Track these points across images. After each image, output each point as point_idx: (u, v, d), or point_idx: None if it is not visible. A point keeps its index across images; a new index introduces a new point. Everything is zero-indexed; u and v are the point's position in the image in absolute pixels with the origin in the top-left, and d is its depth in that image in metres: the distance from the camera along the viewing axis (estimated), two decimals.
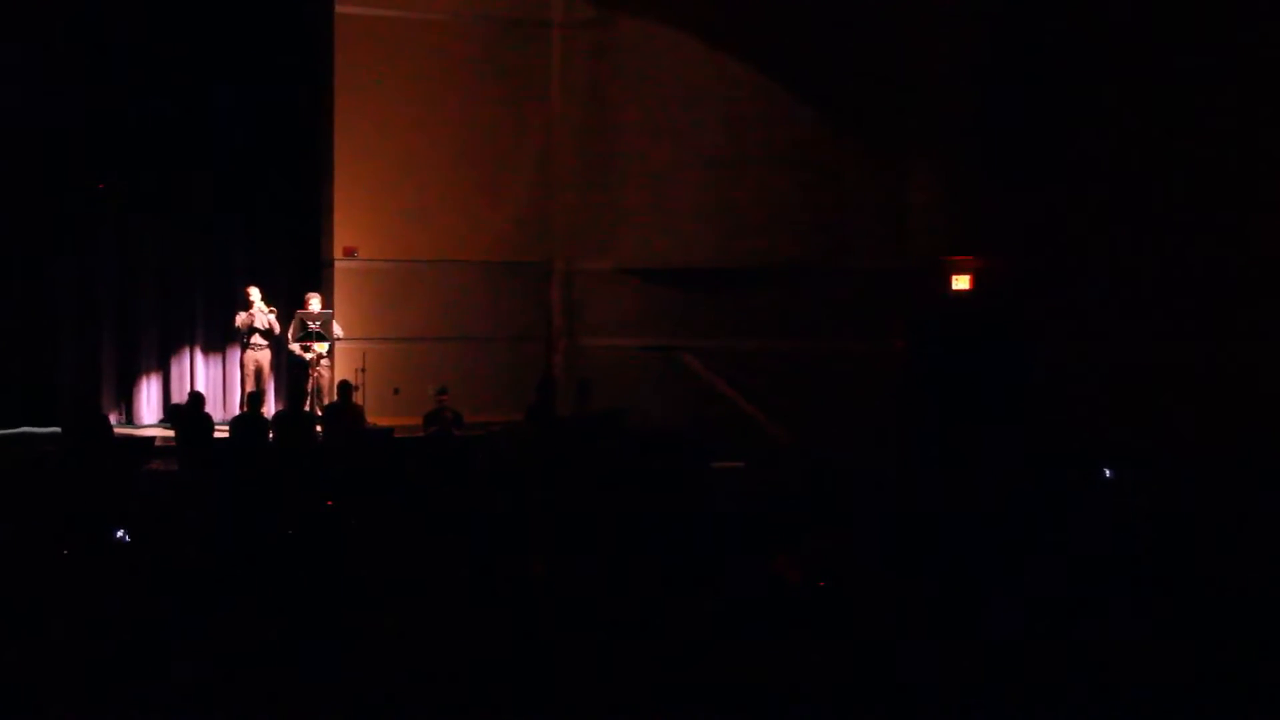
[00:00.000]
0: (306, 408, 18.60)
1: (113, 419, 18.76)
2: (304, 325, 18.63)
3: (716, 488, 14.16)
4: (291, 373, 19.79)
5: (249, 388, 18.56)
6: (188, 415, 16.60)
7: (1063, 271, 17.93)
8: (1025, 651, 7.88)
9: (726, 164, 20.15)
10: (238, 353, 19.40)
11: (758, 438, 18.94)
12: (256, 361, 18.86)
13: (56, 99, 19.22)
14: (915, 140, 19.24)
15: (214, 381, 20.55)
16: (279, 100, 20.49)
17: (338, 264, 20.17)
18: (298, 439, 16.37)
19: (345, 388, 17.50)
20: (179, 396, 19.71)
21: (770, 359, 19.67)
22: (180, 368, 20.46)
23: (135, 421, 20.00)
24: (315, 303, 18.93)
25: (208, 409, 16.98)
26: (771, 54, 19.96)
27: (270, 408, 19.33)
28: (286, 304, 19.34)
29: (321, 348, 18.81)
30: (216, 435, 16.64)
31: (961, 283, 18.60)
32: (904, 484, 13.92)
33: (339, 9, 20.15)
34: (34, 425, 18.66)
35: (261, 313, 18.80)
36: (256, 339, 18.81)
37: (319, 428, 17.29)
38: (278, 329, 18.91)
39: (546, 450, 16.08)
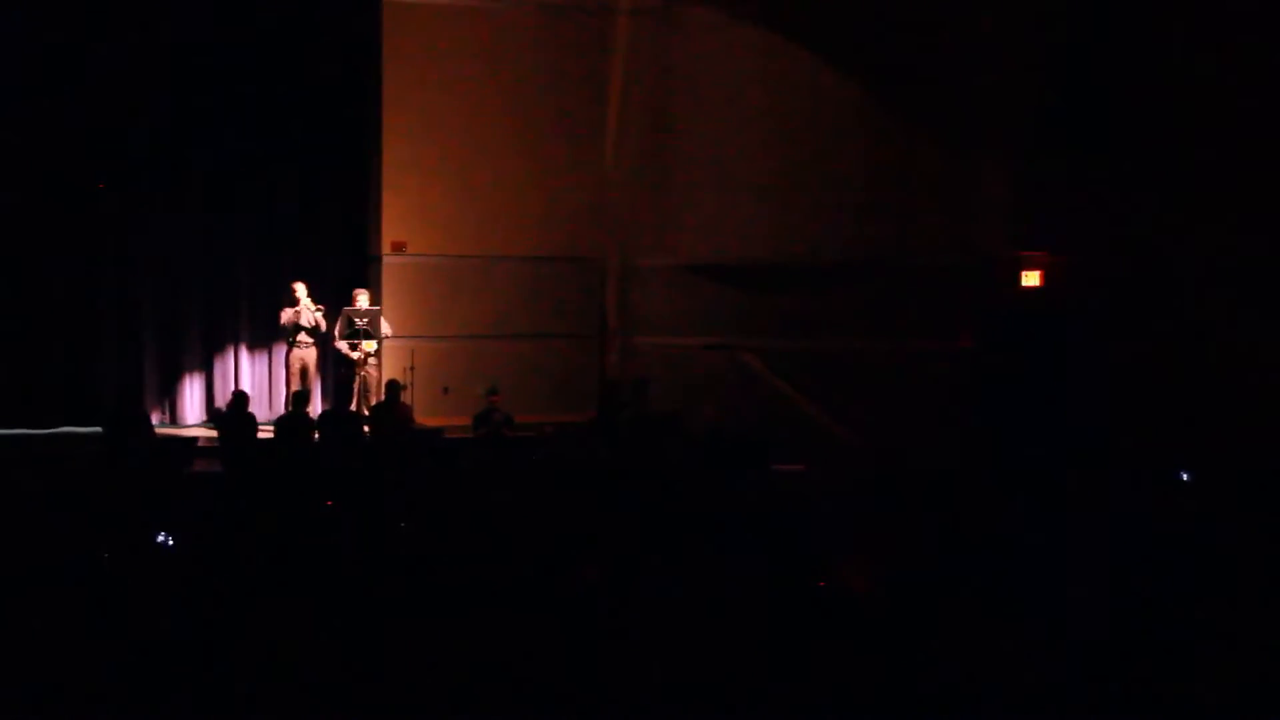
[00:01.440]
0: (353, 408, 18.65)
1: (155, 418, 18.95)
2: (351, 323, 18.68)
3: (777, 491, 14.09)
4: (338, 372, 19.85)
5: (294, 387, 18.64)
6: (231, 415, 16.69)
7: (1137, 267, 17.80)
8: (1110, 658, 7.86)
9: (790, 157, 20.12)
10: (283, 351, 19.46)
11: (820, 440, 18.86)
12: (302, 360, 18.94)
13: (98, 94, 19.35)
14: (985, 131, 19.16)
15: (259, 380, 20.63)
16: (326, 92, 20.51)
17: (386, 259, 20.19)
18: (345, 439, 16.42)
19: (393, 387, 17.52)
20: (222, 396, 19.84)
21: (833, 358, 19.59)
22: (224, 366, 20.53)
23: (178, 421, 20.09)
24: (363, 299, 19.00)
25: (252, 409, 17.05)
26: (839, 45, 19.92)
27: (316, 407, 19.41)
28: (333, 301, 19.37)
29: (369, 346, 18.86)
30: (261, 435, 16.72)
31: (1032, 279, 18.53)
32: (972, 488, 13.84)
33: None
34: (74, 425, 18.79)
35: (308, 310, 18.87)
36: (302, 337, 18.88)
37: (366, 428, 17.33)
38: (324, 326, 18.97)
39: (605, 453, 16.07)
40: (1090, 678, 7.67)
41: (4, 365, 19.01)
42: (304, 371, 18.93)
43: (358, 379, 18.92)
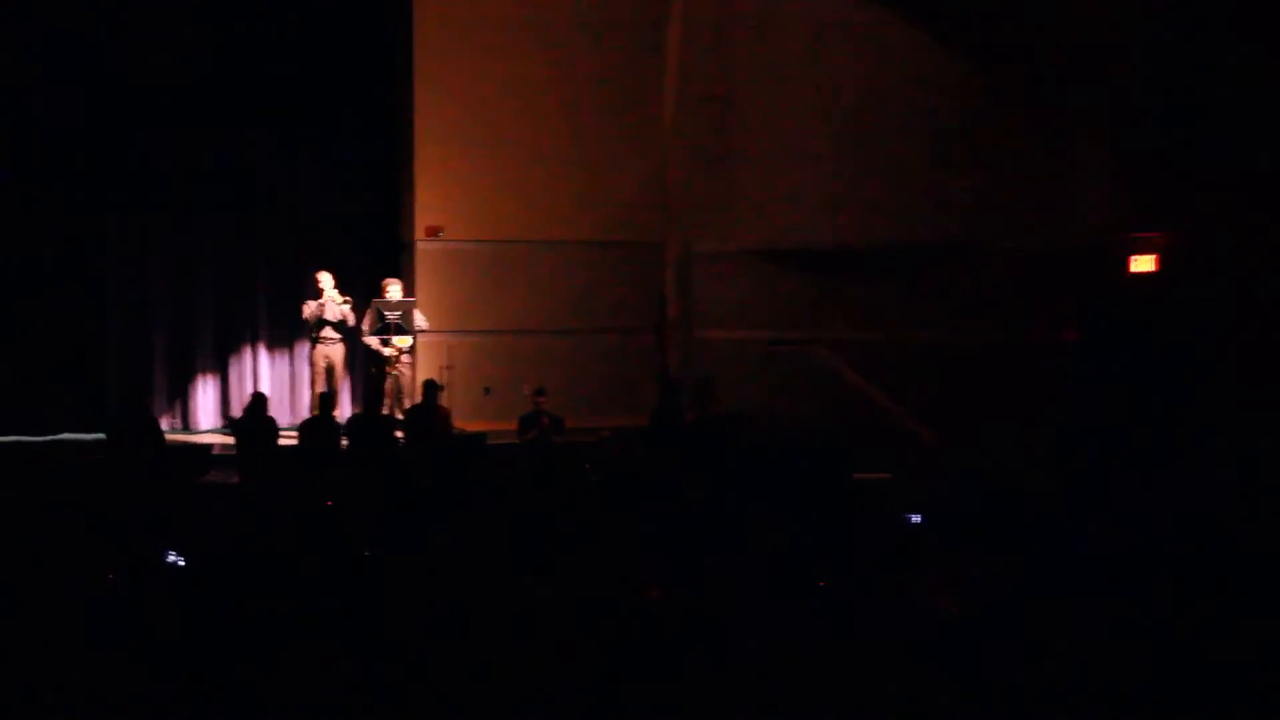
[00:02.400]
0: (385, 410, 18.54)
1: (165, 424, 18.87)
2: (382, 316, 18.60)
3: (859, 502, 13.99)
4: (368, 371, 19.81)
5: (319, 388, 18.61)
6: (249, 419, 16.66)
7: (1263, 249, 17.62)
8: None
9: (865, 135, 20.16)
10: (306, 348, 19.45)
11: (905, 444, 18.78)
12: (328, 358, 18.89)
13: (101, 79, 19.49)
14: (1087, 100, 19.07)
15: (279, 382, 20.65)
16: (351, 61, 20.49)
17: (420, 246, 20.17)
18: (375, 446, 16.35)
19: (430, 388, 17.45)
20: (239, 399, 19.85)
21: (919, 353, 19.61)
22: (240, 367, 20.57)
23: (191, 427, 20.21)
24: (395, 290, 18.90)
25: (272, 412, 17.03)
26: (917, 16, 19.86)
27: (344, 411, 19.39)
28: (362, 292, 19.29)
29: (402, 342, 18.76)
30: (282, 442, 16.68)
31: (1144, 263, 18.44)
32: (1077, 496, 13.73)
33: None
34: (77, 431, 18.83)
35: (333, 302, 18.80)
36: (328, 332, 18.83)
37: (399, 433, 17.27)
38: (352, 320, 18.89)
39: (665, 460, 15.96)
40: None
41: (1, 368, 19.06)
42: (330, 371, 18.88)
43: (390, 379, 18.82)
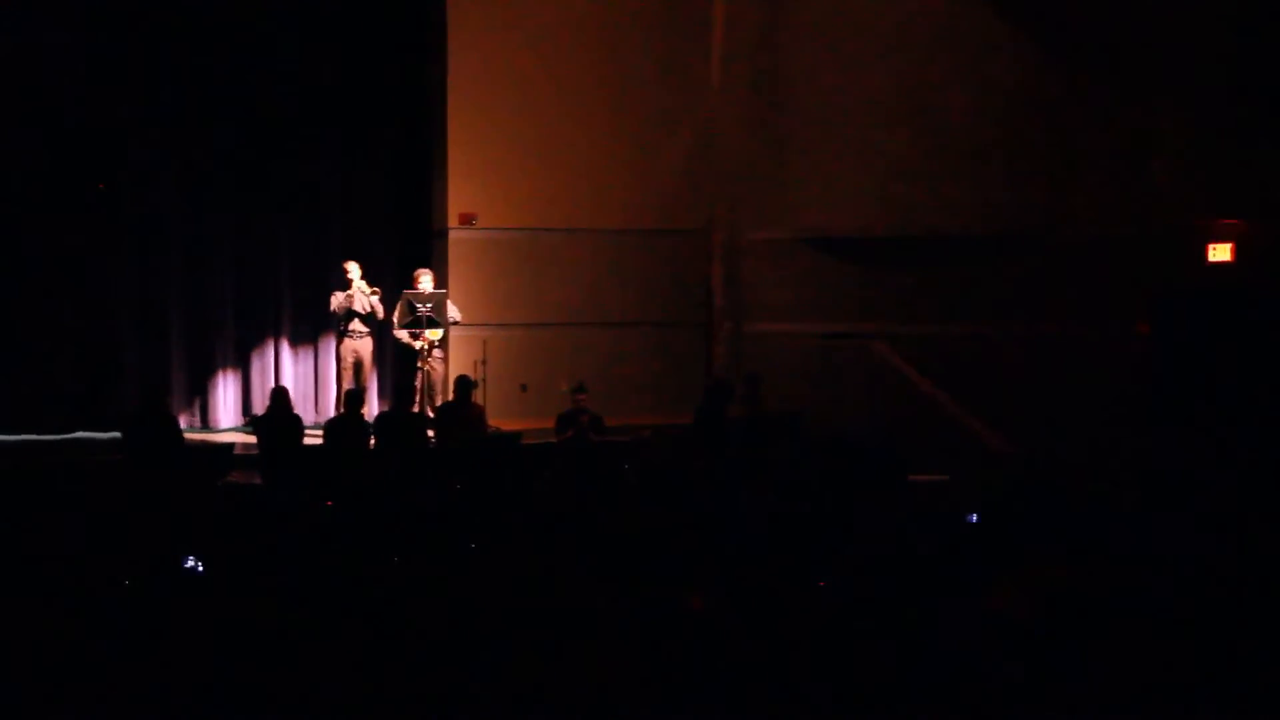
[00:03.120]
0: (416, 408, 18.56)
1: (183, 422, 18.92)
2: (412, 308, 18.64)
3: (916, 505, 13.98)
4: (398, 366, 19.89)
5: (347, 384, 18.64)
6: (271, 416, 16.69)
7: None
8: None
9: (926, 116, 20.08)
10: (332, 343, 19.48)
11: (966, 444, 18.75)
12: (355, 352, 18.93)
13: (111, 62, 19.55)
14: (1163, 79, 18.98)
15: (304, 378, 20.67)
16: (378, 37, 20.53)
17: (452, 234, 20.23)
18: (405, 446, 16.40)
19: (463, 384, 17.45)
20: (261, 396, 19.86)
21: (980, 348, 19.58)
22: (263, 361, 20.58)
23: (210, 426, 20.19)
24: (426, 281, 18.94)
25: (297, 410, 17.06)
26: None
27: (372, 408, 19.43)
28: (391, 283, 19.39)
29: (434, 335, 18.81)
30: (307, 441, 16.72)
31: (1221, 252, 18.34)
32: (1152, 497, 13.69)
33: None
34: (89, 430, 18.90)
35: (361, 293, 18.84)
36: (356, 325, 18.87)
37: (431, 432, 17.31)
38: (381, 313, 18.95)
39: (711, 461, 15.97)
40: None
41: (9, 362, 19.14)
42: (358, 366, 18.92)
43: (420, 374, 18.87)
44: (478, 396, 17.94)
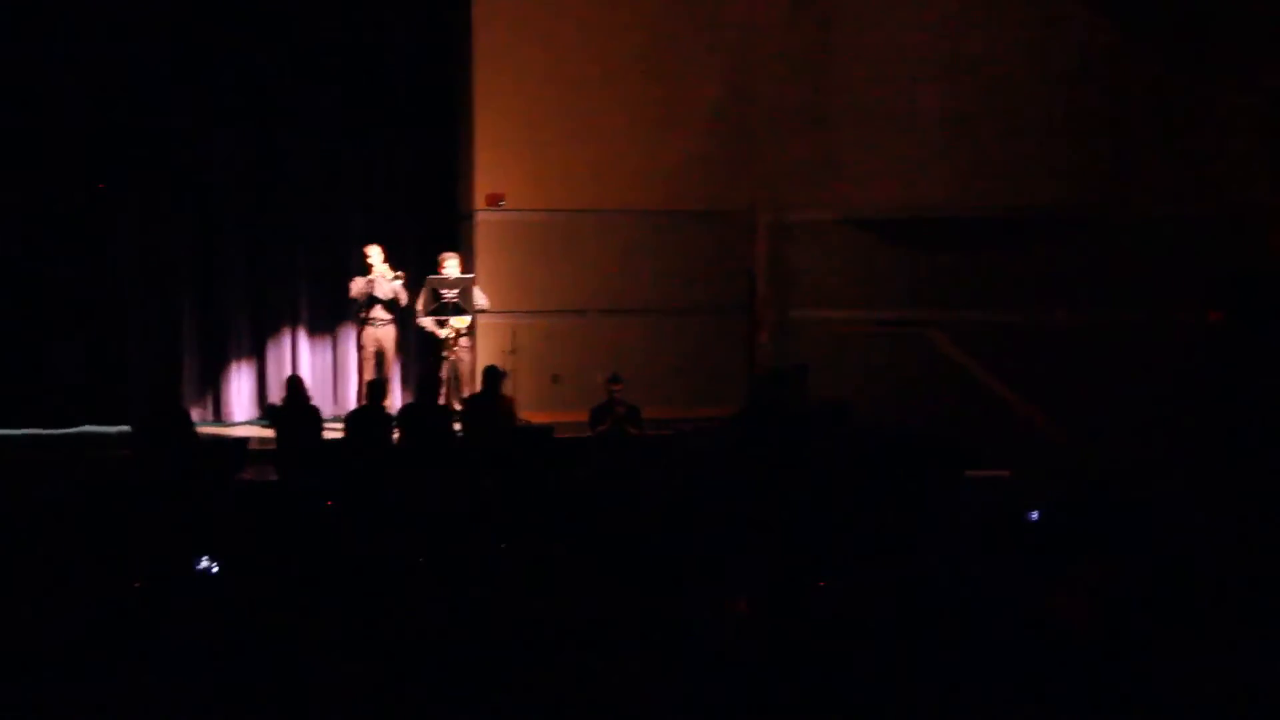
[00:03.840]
0: (442, 400, 18.57)
1: (196, 416, 18.99)
2: (437, 295, 18.66)
3: (973, 502, 13.97)
4: (422, 356, 19.91)
5: (368, 375, 18.68)
6: (288, 409, 16.73)
7: None
8: None
9: (983, 91, 20.01)
10: (353, 332, 19.52)
11: (1026, 437, 18.70)
12: (378, 341, 18.97)
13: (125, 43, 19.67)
14: (1232, 50, 18.92)
15: (323, 368, 20.71)
16: (398, 3, 20.54)
17: (480, 216, 20.22)
18: (430, 439, 16.42)
19: (492, 375, 17.46)
20: (277, 388, 19.88)
21: (1042, 336, 19.52)
22: (279, 351, 20.64)
23: (224, 419, 20.28)
24: (451, 266, 18.96)
25: (315, 401, 17.10)
26: None
27: (395, 400, 19.47)
28: (415, 268, 19.42)
29: (460, 323, 18.84)
30: (327, 435, 16.76)
31: None
32: (1223, 499, 13.67)
33: None
34: (97, 423, 18.96)
35: (384, 279, 18.88)
36: (378, 312, 18.91)
37: (458, 425, 17.34)
38: (405, 299, 18.99)
39: (755, 456, 15.96)
40: None
41: (12, 351, 19.20)
42: (380, 355, 18.97)
43: (446, 364, 18.90)
44: (507, 388, 17.94)
